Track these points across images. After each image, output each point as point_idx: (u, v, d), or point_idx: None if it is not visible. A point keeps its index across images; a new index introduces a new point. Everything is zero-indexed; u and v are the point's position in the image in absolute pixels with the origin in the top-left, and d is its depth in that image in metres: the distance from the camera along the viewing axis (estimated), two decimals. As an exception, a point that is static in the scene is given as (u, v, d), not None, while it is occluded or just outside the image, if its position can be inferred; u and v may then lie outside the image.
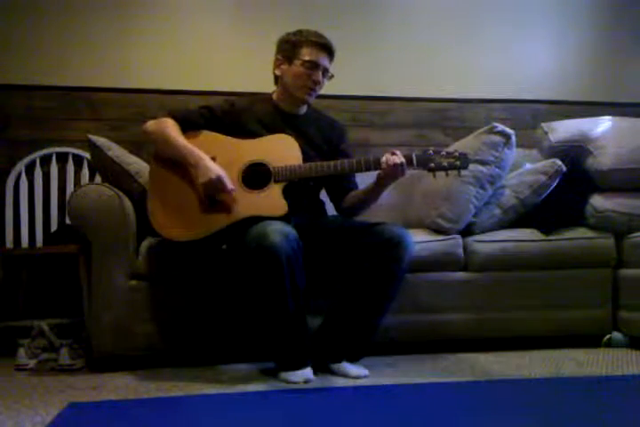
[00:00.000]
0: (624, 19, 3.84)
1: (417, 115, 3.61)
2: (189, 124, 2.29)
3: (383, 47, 3.58)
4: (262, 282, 2.05)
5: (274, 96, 2.41)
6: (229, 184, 2.16)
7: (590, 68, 3.79)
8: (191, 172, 2.20)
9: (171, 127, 2.24)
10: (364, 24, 3.56)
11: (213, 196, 2.19)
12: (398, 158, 2.15)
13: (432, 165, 2.19)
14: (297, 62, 2.30)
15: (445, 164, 2.19)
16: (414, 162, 2.18)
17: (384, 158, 2.17)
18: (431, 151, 2.20)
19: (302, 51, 2.30)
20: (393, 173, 2.16)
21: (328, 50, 2.32)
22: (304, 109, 2.42)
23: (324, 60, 2.31)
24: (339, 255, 2.26)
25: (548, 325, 2.61)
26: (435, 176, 2.21)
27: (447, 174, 2.22)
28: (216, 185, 2.15)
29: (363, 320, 2.20)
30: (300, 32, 2.33)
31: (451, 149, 2.29)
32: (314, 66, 2.29)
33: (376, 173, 2.23)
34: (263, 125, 2.33)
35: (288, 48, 2.33)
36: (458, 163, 2.19)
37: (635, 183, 2.76)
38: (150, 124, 2.28)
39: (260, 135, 2.30)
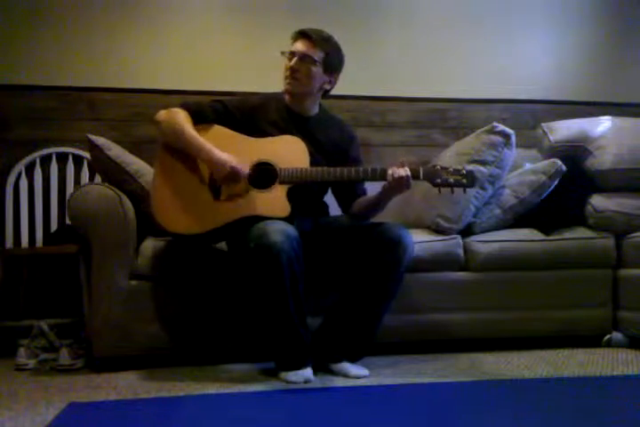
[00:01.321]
0: (624, 19, 3.84)
1: (417, 115, 3.61)
2: (201, 117, 2.28)
3: (383, 47, 3.58)
4: (263, 281, 2.05)
5: (286, 96, 2.41)
6: (243, 172, 2.17)
7: (590, 68, 3.79)
8: (200, 165, 2.21)
9: (182, 118, 2.23)
10: (365, 24, 3.56)
11: (219, 190, 2.19)
12: (404, 171, 2.13)
13: (438, 180, 2.18)
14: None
15: (452, 180, 2.18)
16: (421, 176, 2.17)
17: (390, 171, 2.16)
18: (439, 166, 2.19)
19: (291, 47, 2.32)
20: (398, 185, 2.15)
21: (306, 37, 2.28)
22: (314, 110, 2.41)
23: (300, 47, 2.28)
24: (339, 255, 2.26)
25: (548, 325, 2.61)
26: (440, 191, 2.21)
27: (453, 191, 2.21)
28: (231, 177, 2.15)
29: (363, 320, 2.20)
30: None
31: (458, 165, 2.26)
32: (291, 55, 2.30)
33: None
34: (274, 125, 2.33)
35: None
36: (464, 181, 2.18)
37: (635, 183, 2.76)
38: (161, 114, 2.28)
39: (271, 135, 2.29)
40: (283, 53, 2.31)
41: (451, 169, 2.19)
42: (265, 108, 2.35)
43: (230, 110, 2.32)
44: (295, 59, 2.28)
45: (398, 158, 2.23)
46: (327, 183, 2.33)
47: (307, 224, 2.26)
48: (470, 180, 2.19)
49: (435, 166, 2.20)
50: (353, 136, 2.48)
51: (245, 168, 2.19)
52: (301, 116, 2.38)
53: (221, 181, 2.19)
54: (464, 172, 2.19)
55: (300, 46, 2.29)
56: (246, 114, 2.33)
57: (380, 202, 2.29)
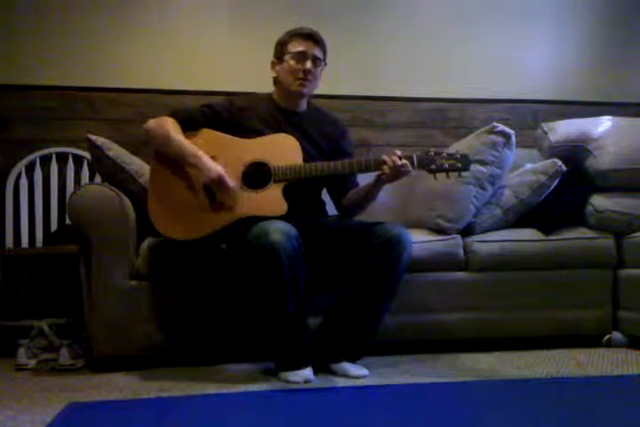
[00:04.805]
0: (624, 19, 3.84)
1: (417, 115, 3.61)
2: (191, 123, 2.28)
3: (383, 47, 3.58)
4: (263, 281, 2.05)
5: (273, 95, 2.42)
6: (229, 182, 2.17)
7: (590, 68, 3.78)
8: (191, 171, 2.21)
9: (171, 126, 2.24)
10: (364, 24, 3.56)
11: (214, 194, 2.20)
12: (399, 160, 2.14)
13: (433, 166, 2.18)
14: (286, 58, 2.33)
15: (446, 165, 2.18)
16: (415, 163, 2.18)
17: (385, 159, 2.16)
18: (432, 152, 2.19)
19: (289, 46, 2.33)
20: (394, 174, 2.15)
21: (312, 39, 2.32)
22: (304, 106, 2.42)
23: (310, 49, 2.31)
24: (338, 255, 2.26)
25: (548, 325, 2.62)
26: (435, 178, 2.21)
27: (448, 176, 2.21)
28: (216, 184, 2.15)
29: (362, 320, 2.20)
30: (288, 31, 2.36)
31: (452, 150, 2.29)
32: (301, 56, 2.30)
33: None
34: (265, 124, 2.34)
35: (279, 48, 2.36)
36: (459, 164, 2.19)
37: (635, 183, 2.76)
38: (151, 123, 2.28)
39: (262, 134, 2.30)
40: (284, 56, 2.32)
41: (444, 154, 2.20)
42: (254, 108, 2.37)
43: (219, 114, 2.32)
44: (309, 61, 2.30)
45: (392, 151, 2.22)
46: (322, 178, 2.33)
47: (304, 222, 2.26)
48: (465, 163, 2.19)
49: (428, 152, 2.20)
50: (344, 129, 2.50)
51: (231, 180, 2.17)
52: (292, 113, 2.39)
53: (206, 189, 2.18)
54: (458, 155, 2.19)
55: (309, 48, 2.31)
56: (235, 115, 2.33)
57: (373, 191, 2.29)
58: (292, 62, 2.31)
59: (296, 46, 2.31)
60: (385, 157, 2.16)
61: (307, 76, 2.31)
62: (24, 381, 2.20)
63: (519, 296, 2.61)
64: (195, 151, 2.18)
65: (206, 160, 2.17)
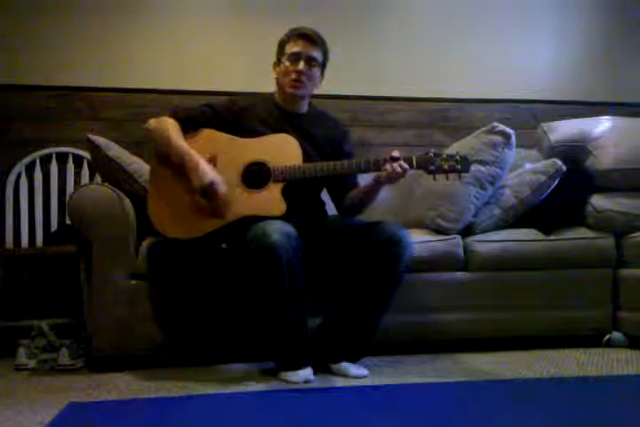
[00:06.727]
0: (624, 19, 3.84)
1: (417, 115, 3.61)
2: (191, 123, 2.28)
3: (383, 47, 3.58)
4: (263, 281, 2.05)
5: (275, 96, 2.42)
6: (221, 189, 2.15)
7: (590, 68, 3.79)
8: (189, 173, 2.21)
9: (171, 127, 2.23)
10: (365, 24, 3.56)
11: (208, 200, 2.19)
12: (398, 162, 2.14)
13: (433, 167, 2.18)
14: (283, 59, 2.32)
15: (446, 167, 2.18)
16: (414, 164, 2.18)
17: (384, 161, 2.16)
18: (432, 154, 2.19)
19: (286, 47, 2.32)
20: (393, 175, 2.15)
21: (309, 39, 2.30)
22: (305, 108, 2.42)
23: (306, 50, 2.29)
24: (338, 255, 2.26)
25: (548, 325, 2.61)
26: (435, 179, 2.21)
27: (447, 177, 2.21)
28: (208, 191, 2.14)
29: (362, 320, 2.20)
30: (288, 31, 2.35)
31: (452, 151, 2.28)
32: (295, 57, 2.29)
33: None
34: (266, 124, 2.34)
35: (278, 49, 2.36)
36: (459, 166, 2.18)
37: (635, 183, 2.76)
38: (151, 123, 2.28)
39: (263, 134, 2.30)
40: (282, 57, 2.32)
41: (444, 155, 2.19)
42: (254, 108, 2.36)
43: (220, 113, 2.32)
44: (302, 62, 2.29)
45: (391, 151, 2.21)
46: (321, 179, 2.34)
47: (304, 222, 2.26)
48: (464, 164, 2.19)
49: (427, 153, 2.20)
50: (345, 131, 2.49)
51: (224, 187, 2.16)
52: (293, 114, 2.39)
53: (197, 192, 2.16)
54: (458, 157, 2.19)
55: (304, 49, 2.29)
56: (236, 115, 2.33)
57: (372, 191, 2.29)
58: (287, 63, 2.31)
59: (292, 47, 2.30)
60: (384, 159, 2.16)
61: (300, 78, 2.29)
62: (24, 381, 2.20)
63: (519, 296, 2.60)
64: (192, 156, 2.17)
65: (201, 166, 2.15)
